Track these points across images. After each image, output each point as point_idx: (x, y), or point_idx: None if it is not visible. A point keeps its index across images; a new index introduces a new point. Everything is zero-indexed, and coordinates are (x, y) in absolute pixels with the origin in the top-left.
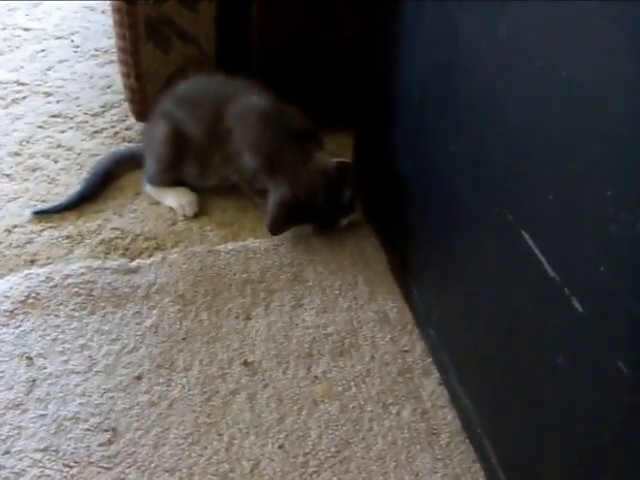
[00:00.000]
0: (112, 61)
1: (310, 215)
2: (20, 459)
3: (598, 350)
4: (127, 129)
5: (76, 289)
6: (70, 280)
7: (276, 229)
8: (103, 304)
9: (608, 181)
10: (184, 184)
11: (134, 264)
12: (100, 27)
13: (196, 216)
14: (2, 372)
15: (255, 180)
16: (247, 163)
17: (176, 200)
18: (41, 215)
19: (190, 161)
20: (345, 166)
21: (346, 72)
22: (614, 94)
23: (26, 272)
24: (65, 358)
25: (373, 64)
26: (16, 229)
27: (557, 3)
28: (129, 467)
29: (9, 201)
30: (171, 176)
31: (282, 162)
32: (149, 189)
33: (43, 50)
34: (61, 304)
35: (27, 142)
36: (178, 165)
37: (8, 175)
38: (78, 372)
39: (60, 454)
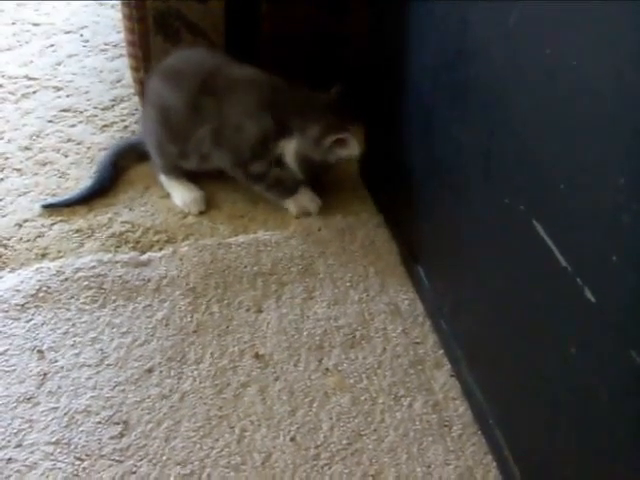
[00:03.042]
0: (122, 55)
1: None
2: (32, 452)
3: (611, 340)
4: (137, 123)
5: (87, 282)
6: (81, 274)
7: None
8: (114, 297)
9: (620, 170)
10: (192, 178)
11: (145, 257)
12: (109, 21)
13: (206, 209)
14: (13, 366)
15: (254, 158)
16: (250, 132)
17: (181, 198)
18: (51, 209)
19: (169, 137)
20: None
21: (355, 65)
22: (627, 81)
23: (37, 266)
24: (76, 351)
25: (383, 57)
26: (27, 223)
27: None
28: (140, 460)
29: (19, 195)
30: (172, 162)
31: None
32: (162, 178)
33: (52, 45)
34: (72, 297)
35: (37, 136)
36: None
37: (18, 169)
38: (89, 365)
39: (71, 447)
